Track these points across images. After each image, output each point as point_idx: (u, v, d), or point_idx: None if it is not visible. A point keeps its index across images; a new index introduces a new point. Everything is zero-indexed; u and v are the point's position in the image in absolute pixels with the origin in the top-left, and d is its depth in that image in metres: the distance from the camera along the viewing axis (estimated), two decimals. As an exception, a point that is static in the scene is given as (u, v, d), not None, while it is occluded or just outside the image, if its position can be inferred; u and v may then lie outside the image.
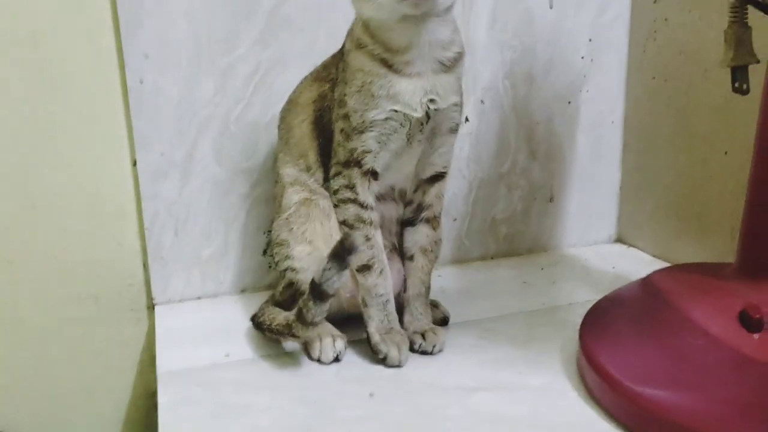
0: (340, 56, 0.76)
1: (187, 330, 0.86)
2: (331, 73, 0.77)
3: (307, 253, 0.76)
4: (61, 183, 0.88)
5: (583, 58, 1.07)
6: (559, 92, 1.07)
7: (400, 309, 0.79)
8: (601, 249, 1.14)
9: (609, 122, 1.11)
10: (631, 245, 1.14)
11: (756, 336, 0.64)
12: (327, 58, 0.81)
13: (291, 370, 0.75)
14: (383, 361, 0.74)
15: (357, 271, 0.74)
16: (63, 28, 0.84)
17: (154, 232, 0.92)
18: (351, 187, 0.73)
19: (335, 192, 0.75)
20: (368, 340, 0.75)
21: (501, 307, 0.90)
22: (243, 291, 0.98)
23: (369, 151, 0.72)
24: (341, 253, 0.67)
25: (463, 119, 1.02)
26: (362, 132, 0.71)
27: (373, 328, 0.75)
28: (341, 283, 0.69)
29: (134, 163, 0.90)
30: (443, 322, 0.84)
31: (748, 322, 0.65)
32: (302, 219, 0.76)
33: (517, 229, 1.11)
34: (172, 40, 0.87)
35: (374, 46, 0.70)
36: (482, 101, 1.03)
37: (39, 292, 0.90)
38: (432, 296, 0.83)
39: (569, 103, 1.08)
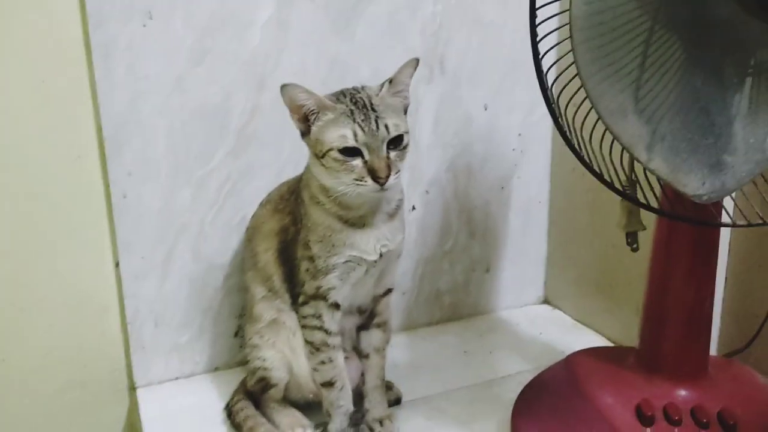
0: (296, 193, 0.87)
1: (170, 418, 0.96)
2: (288, 205, 0.88)
3: (277, 359, 0.89)
4: (49, 286, 0.97)
5: (514, 150, 1.22)
6: (494, 180, 1.22)
7: (360, 398, 0.92)
8: (531, 311, 1.30)
9: (537, 203, 1.27)
10: (555, 307, 1.31)
11: (649, 431, 0.79)
12: (283, 189, 0.92)
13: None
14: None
15: (321, 385, 0.86)
16: (51, 151, 0.93)
17: (136, 325, 1.02)
18: (318, 317, 0.84)
19: (304, 317, 0.86)
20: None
21: (445, 381, 1.04)
22: (216, 369, 1.09)
23: (333, 288, 0.83)
24: (357, 420, 0.85)
25: (410, 207, 1.16)
26: (327, 273, 0.82)
27: (334, 430, 0.87)
28: None
29: (117, 265, 0.99)
30: (397, 401, 0.98)
31: (643, 417, 0.81)
32: (272, 333, 0.89)
33: (458, 297, 1.25)
34: (153, 158, 0.97)
35: (331, 205, 0.80)
36: (427, 191, 1.17)
37: (30, 385, 0.99)
38: (386, 372, 0.95)
39: (502, 188, 1.23)
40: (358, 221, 0.81)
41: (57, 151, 0.94)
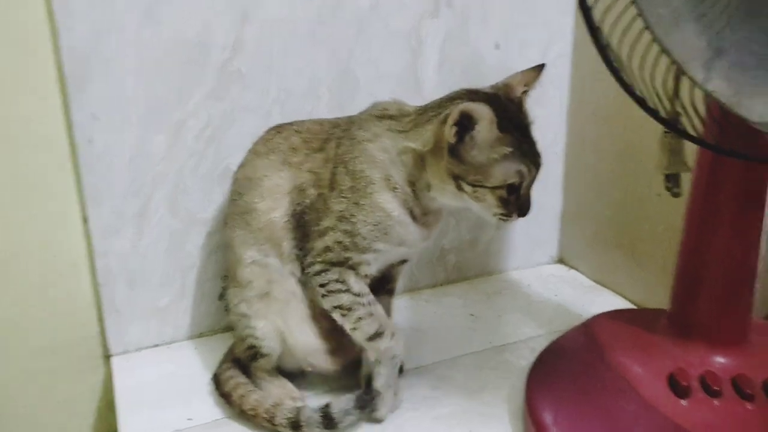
0: (333, 158, 0.76)
1: (148, 388, 0.87)
2: (308, 162, 0.77)
3: (269, 329, 0.79)
4: (13, 243, 0.87)
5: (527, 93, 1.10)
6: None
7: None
8: (543, 270, 1.20)
9: (552, 153, 1.16)
10: (571, 267, 1.21)
11: (684, 402, 0.70)
12: (294, 140, 0.80)
13: (256, 433, 0.78)
14: (370, 413, 0.77)
15: (368, 340, 0.76)
16: (10, 92, 0.82)
17: (108, 287, 0.92)
18: (342, 281, 0.75)
19: (323, 285, 0.75)
20: (368, 393, 0.77)
21: (451, 348, 0.95)
22: (201, 335, 0.99)
23: (366, 264, 0.75)
24: (365, 402, 0.74)
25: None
26: (364, 252, 0.74)
27: (381, 385, 0.78)
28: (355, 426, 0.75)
29: (85, 220, 0.89)
30: (399, 371, 0.88)
31: (677, 387, 0.71)
32: (262, 304, 0.79)
33: (464, 256, 1.15)
34: (121, 99, 0.86)
35: (410, 199, 0.73)
36: (432, 140, 1.06)
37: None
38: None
39: (515, 137, 1.12)
40: (423, 219, 0.76)
41: (16, 91, 0.82)
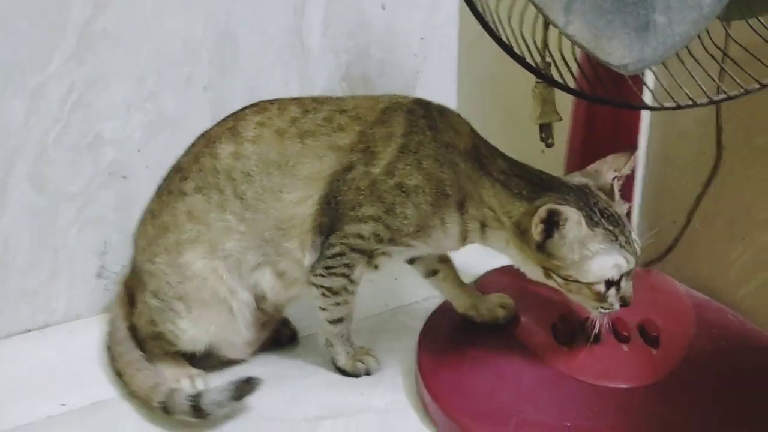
0: (389, 125, 0.69)
1: (19, 376, 0.81)
2: (361, 143, 0.70)
3: (198, 338, 0.75)
4: None
5: (416, 56, 1.09)
6: (394, 90, 1.09)
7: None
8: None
9: (443, 116, 1.16)
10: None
11: (566, 349, 0.72)
12: (337, 117, 0.71)
13: (136, 415, 0.73)
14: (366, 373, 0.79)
15: (330, 323, 0.76)
16: None
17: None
18: (350, 266, 0.72)
19: (329, 267, 0.71)
20: (341, 371, 0.79)
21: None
22: (78, 317, 0.93)
23: (389, 257, 0.73)
24: (241, 392, 0.70)
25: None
26: (397, 245, 0.71)
27: (343, 361, 0.79)
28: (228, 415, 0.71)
29: (-65, 198, 0.81)
30: (292, 339, 0.86)
31: (560, 334, 0.73)
32: (202, 313, 0.74)
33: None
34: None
35: (473, 235, 0.70)
36: (320, 104, 1.03)
37: None
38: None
39: (405, 100, 1.11)
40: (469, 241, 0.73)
41: None
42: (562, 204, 0.61)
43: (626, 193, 0.72)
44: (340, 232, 0.70)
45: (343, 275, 0.72)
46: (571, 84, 0.60)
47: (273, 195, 0.71)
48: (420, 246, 0.72)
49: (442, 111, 0.71)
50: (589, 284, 0.64)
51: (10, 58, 0.80)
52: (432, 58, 1.11)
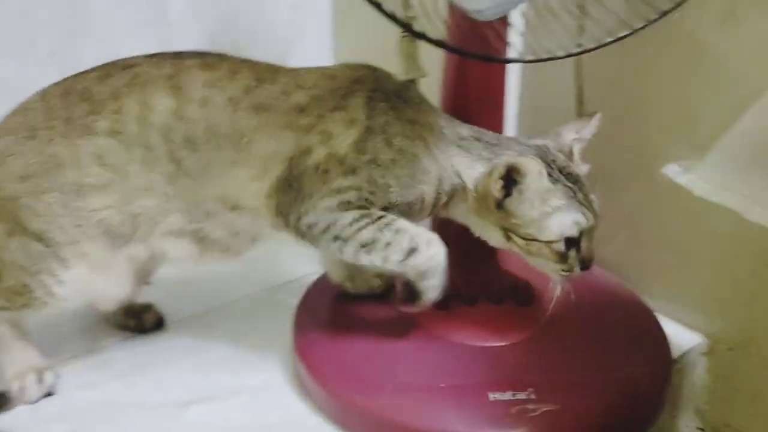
0: (346, 110, 0.64)
1: None
2: (321, 127, 0.64)
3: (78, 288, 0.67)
4: None
5: (288, 25, 1.05)
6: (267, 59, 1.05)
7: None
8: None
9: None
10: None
11: (443, 313, 0.71)
12: (295, 94, 0.65)
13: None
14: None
15: (403, 261, 0.63)
16: None
17: None
18: (361, 217, 0.64)
19: (338, 236, 0.64)
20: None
21: (221, 293, 0.88)
22: None
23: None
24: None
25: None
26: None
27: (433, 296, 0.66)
28: None
29: None
30: (158, 325, 0.81)
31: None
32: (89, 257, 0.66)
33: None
34: None
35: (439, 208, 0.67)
36: (186, 75, 0.97)
37: None
38: (145, 294, 0.78)
39: (279, 71, 1.07)
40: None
41: None
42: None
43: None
44: (314, 209, 0.64)
45: (363, 227, 0.63)
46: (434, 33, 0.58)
47: (221, 168, 0.65)
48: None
49: (401, 87, 0.67)
50: (549, 243, 0.63)
51: None
52: (305, 27, 1.07)
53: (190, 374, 0.72)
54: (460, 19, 0.56)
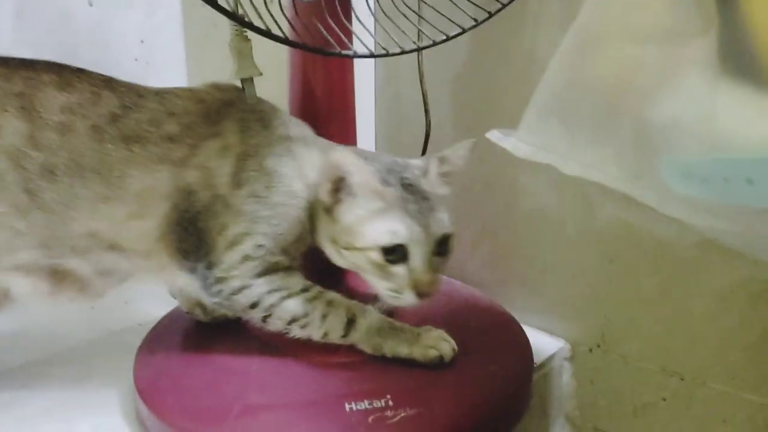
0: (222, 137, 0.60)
1: None
2: (196, 160, 0.59)
3: None
4: None
5: (137, 60, 1.01)
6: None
7: None
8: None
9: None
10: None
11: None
12: (166, 125, 0.60)
13: None
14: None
15: (345, 337, 0.61)
16: None
17: None
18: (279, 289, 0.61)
19: (254, 305, 0.61)
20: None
21: (58, 340, 0.79)
22: None
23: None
24: None
25: None
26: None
27: (406, 353, 0.61)
28: None
29: None
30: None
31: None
32: None
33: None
34: None
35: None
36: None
37: None
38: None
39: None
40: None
41: None
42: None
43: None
44: (221, 264, 0.60)
45: (285, 298, 0.60)
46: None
47: (90, 203, 0.58)
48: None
49: (268, 108, 0.64)
50: (362, 250, 0.58)
51: None
52: (156, 61, 1.03)
53: (12, 426, 0.63)
54: (295, 13, 0.55)
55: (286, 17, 0.55)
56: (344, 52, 0.56)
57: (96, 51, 0.96)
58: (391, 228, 0.57)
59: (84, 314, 0.87)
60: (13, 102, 0.58)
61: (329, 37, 0.55)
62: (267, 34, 0.51)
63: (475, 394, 0.60)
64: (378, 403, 0.57)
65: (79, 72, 0.63)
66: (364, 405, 0.57)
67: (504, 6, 0.62)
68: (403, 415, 0.56)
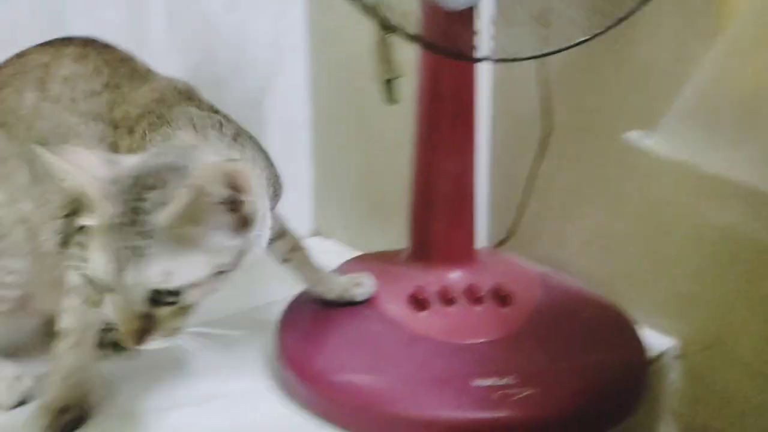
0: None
1: None
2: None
3: None
4: None
5: (267, 60, 1.10)
6: (246, 95, 1.09)
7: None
8: (300, 244, 1.19)
9: (298, 123, 1.16)
10: (328, 237, 1.21)
11: (423, 314, 0.72)
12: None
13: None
14: None
15: None
16: None
17: None
18: None
19: None
20: None
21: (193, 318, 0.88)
22: None
23: None
24: None
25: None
26: None
27: None
28: None
29: None
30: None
31: (416, 302, 0.74)
32: None
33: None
34: None
35: None
36: (168, 105, 1.00)
37: None
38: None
39: (258, 106, 1.10)
40: None
41: None
42: None
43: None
44: None
45: None
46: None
47: None
48: None
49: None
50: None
51: None
52: (284, 62, 1.12)
53: (169, 385, 0.72)
54: (432, 17, 0.61)
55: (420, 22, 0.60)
56: (481, 55, 0.61)
57: (233, 53, 1.05)
58: (94, 259, 0.48)
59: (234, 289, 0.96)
60: (34, 74, 0.62)
61: (460, 42, 0.60)
62: (417, 39, 0.57)
63: (593, 381, 0.64)
64: (503, 382, 0.62)
65: (105, 47, 0.66)
66: (490, 382, 0.62)
67: (628, 15, 0.65)
68: (526, 393, 0.60)
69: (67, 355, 0.62)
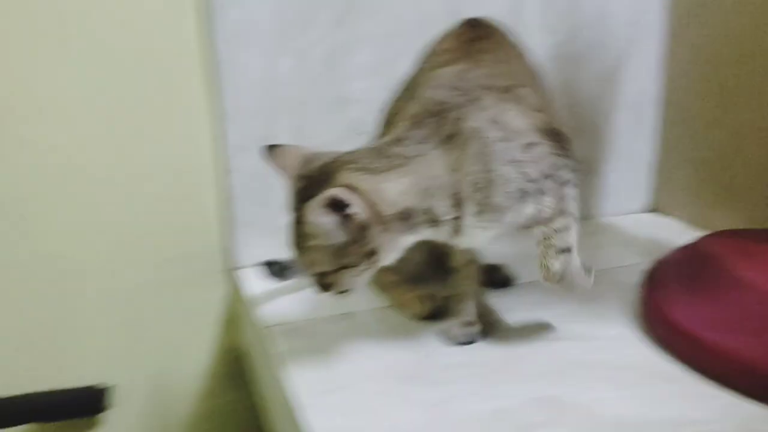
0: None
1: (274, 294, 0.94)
2: None
3: None
4: (150, 159, 0.96)
5: (624, 38, 1.14)
6: (601, 71, 1.15)
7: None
8: (639, 218, 1.22)
9: (647, 99, 1.19)
10: (667, 214, 1.22)
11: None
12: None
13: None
14: None
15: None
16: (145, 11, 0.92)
17: (238, 202, 0.99)
18: None
19: None
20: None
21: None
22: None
23: None
24: None
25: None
26: None
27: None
28: None
29: (217, 138, 0.97)
30: (506, 283, 0.93)
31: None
32: None
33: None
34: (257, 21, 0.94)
35: None
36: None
37: (134, 255, 0.98)
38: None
39: (611, 81, 1.15)
40: None
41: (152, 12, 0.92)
42: None
43: None
44: None
45: None
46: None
47: None
48: None
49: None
50: None
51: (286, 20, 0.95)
52: (639, 41, 1.15)
53: (549, 321, 0.82)
54: None
55: None
56: None
57: (593, 31, 1.11)
58: None
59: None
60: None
61: None
62: None
63: None
64: None
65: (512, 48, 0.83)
66: None
67: None
68: None
69: (461, 285, 0.80)
